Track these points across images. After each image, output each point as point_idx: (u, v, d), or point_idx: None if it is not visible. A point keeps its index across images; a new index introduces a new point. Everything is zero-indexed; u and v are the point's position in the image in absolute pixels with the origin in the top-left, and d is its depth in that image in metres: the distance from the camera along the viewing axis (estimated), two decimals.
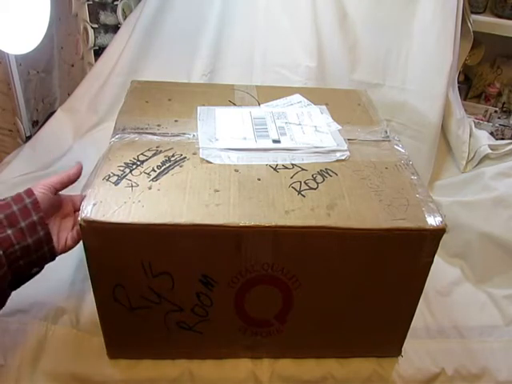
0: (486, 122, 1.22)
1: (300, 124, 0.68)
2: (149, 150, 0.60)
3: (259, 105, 0.73)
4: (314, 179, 0.57)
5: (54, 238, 0.54)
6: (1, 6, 0.68)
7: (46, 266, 0.55)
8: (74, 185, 0.59)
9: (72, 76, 1.18)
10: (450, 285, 0.79)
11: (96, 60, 1.09)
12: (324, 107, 0.73)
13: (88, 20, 1.06)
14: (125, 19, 1.08)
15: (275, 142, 0.63)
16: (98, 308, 0.56)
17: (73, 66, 1.17)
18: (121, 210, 0.50)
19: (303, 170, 0.58)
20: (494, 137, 1.10)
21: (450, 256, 0.85)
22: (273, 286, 0.55)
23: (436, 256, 0.54)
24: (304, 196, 0.54)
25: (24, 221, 0.51)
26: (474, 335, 0.70)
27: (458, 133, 1.02)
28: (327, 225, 0.51)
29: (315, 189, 0.55)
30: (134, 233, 0.50)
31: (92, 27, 1.07)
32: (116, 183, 0.54)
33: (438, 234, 0.52)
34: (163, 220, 0.50)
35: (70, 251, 0.56)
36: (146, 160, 0.58)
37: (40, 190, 0.54)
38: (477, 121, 1.17)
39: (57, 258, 0.55)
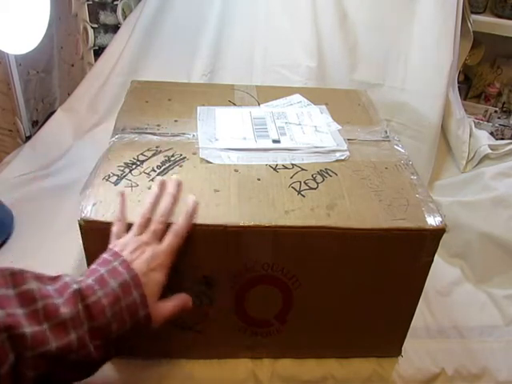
0: (485, 122, 1.22)
1: (300, 124, 0.68)
2: (148, 150, 0.60)
3: (259, 105, 0.73)
4: (314, 179, 0.57)
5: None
6: (1, 6, 0.68)
7: (47, 267, 0.54)
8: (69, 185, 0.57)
9: (72, 76, 1.18)
10: (450, 285, 0.79)
11: (96, 60, 1.09)
12: (324, 107, 0.73)
13: (88, 20, 1.06)
14: (125, 19, 1.08)
15: (275, 142, 0.63)
16: None
17: (73, 65, 1.17)
18: None
19: (303, 169, 0.58)
20: (494, 137, 1.10)
21: (450, 256, 0.85)
22: (273, 286, 0.55)
23: (436, 256, 0.54)
24: (304, 196, 0.54)
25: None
26: (474, 335, 0.70)
27: (457, 133, 1.02)
28: (327, 225, 0.51)
29: (315, 189, 0.55)
30: None
31: (92, 27, 1.07)
32: (116, 183, 0.54)
33: (437, 233, 0.52)
34: None
35: (69, 251, 0.56)
36: (146, 160, 0.58)
37: None
38: (477, 121, 1.17)
39: (57, 258, 0.55)
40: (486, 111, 1.28)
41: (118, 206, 0.50)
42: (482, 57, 1.29)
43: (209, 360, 0.62)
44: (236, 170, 0.57)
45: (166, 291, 0.54)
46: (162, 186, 0.52)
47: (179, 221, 0.49)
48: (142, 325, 0.45)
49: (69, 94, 1.08)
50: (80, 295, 0.42)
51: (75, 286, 0.42)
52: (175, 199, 0.51)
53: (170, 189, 0.52)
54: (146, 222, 0.49)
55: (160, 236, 0.49)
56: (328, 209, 0.53)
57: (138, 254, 0.47)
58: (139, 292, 0.45)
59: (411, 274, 0.56)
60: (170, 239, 0.48)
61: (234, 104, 0.72)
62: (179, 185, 0.53)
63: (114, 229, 0.49)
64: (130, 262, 0.46)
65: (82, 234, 0.50)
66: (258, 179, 0.56)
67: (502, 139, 1.13)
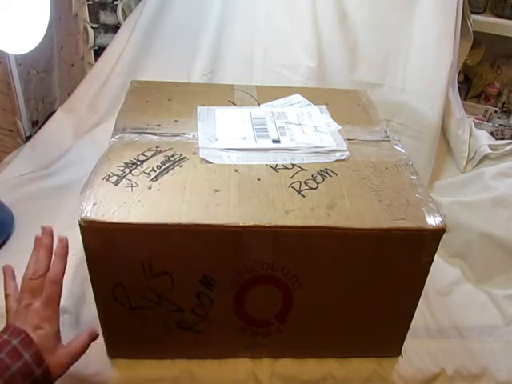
0: (485, 122, 1.21)
1: (300, 124, 0.68)
2: (149, 149, 0.60)
3: (259, 105, 0.73)
4: (314, 179, 0.57)
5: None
6: (1, 6, 0.68)
7: None
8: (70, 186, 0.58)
9: (72, 76, 1.18)
10: (450, 285, 0.79)
11: (96, 60, 1.09)
12: (324, 107, 0.73)
13: (88, 20, 1.06)
14: (125, 19, 1.08)
15: (275, 142, 0.63)
16: (97, 308, 0.56)
17: (73, 65, 1.17)
18: (121, 209, 0.50)
19: (303, 169, 0.58)
20: (494, 137, 1.10)
21: (450, 256, 0.84)
22: (273, 285, 0.55)
23: (436, 256, 0.54)
24: (304, 196, 0.54)
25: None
26: (474, 335, 0.70)
27: (457, 133, 1.02)
28: (327, 225, 0.51)
29: (315, 189, 0.55)
30: (133, 233, 0.50)
31: (92, 27, 1.07)
32: (116, 183, 0.54)
33: (437, 233, 0.52)
34: (163, 220, 0.50)
35: (70, 251, 0.56)
36: (146, 160, 0.58)
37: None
38: (477, 121, 1.17)
39: None
40: (486, 111, 1.28)
41: (4, 281, 0.54)
42: (482, 57, 1.28)
43: (209, 360, 0.62)
44: (236, 170, 0.57)
45: (168, 292, 0.55)
46: (37, 241, 0.55)
47: (51, 267, 0.52)
48: (43, 381, 0.48)
49: (69, 94, 1.08)
50: None
51: None
52: (48, 249, 0.53)
53: (44, 239, 0.54)
54: (27, 285, 0.52)
55: (40, 291, 0.51)
56: (328, 209, 0.53)
57: (22, 318, 0.50)
58: (30, 352, 0.47)
59: (411, 274, 0.56)
60: (46, 290, 0.50)
61: (234, 104, 0.72)
62: (49, 233, 0.55)
63: (6, 305, 0.52)
64: (17, 328, 0.48)
65: (82, 233, 0.50)
66: (258, 179, 0.56)
67: (502, 139, 1.13)
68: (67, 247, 0.53)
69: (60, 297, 0.51)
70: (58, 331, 0.51)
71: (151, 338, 0.60)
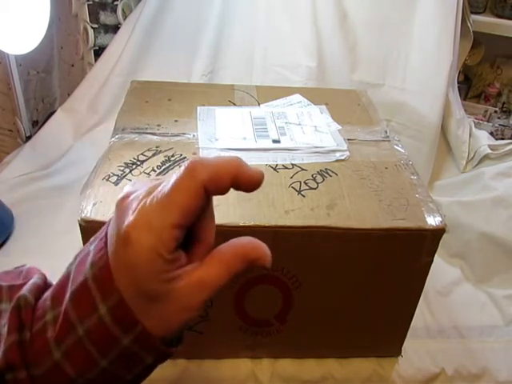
0: (485, 122, 1.22)
1: (300, 124, 0.68)
2: (149, 150, 0.60)
3: (259, 105, 0.73)
4: (314, 179, 0.57)
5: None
6: (1, 6, 0.68)
7: (47, 267, 0.54)
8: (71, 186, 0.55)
9: (72, 76, 1.18)
10: (450, 285, 0.78)
11: (96, 60, 1.09)
12: (324, 107, 0.73)
13: (88, 20, 1.06)
14: (125, 19, 1.08)
15: (275, 141, 0.63)
16: None
17: (73, 65, 1.17)
18: None
19: (303, 169, 0.58)
20: (494, 137, 1.10)
21: (450, 256, 0.84)
22: (273, 286, 0.55)
23: (436, 256, 0.54)
24: (304, 196, 0.54)
25: None
26: (474, 335, 0.70)
27: (457, 133, 1.02)
28: (327, 225, 0.51)
29: (315, 189, 0.55)
30: None
31: (92, 27, 1.07)
32: (116, 183, 0.54)
33: (437, 233, 0.52)
34: None
35: (69, 251, 0.56)
36: (146, 160, 0.58)
37: None
38: (477, 121, 1.17)
39: (57, 259, 0.55)
40: (486, 111, 1.28)
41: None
42: (482, 57, 1.29)
43: (209, 360, 0.62)
44: None
45: None
46: None
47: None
48: (141, 351, 0.26)
49: (69, 94, 1.08)
50: (20, 322, 0.26)
51: (18, 310, 0.27)
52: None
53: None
54: None
55: None
56: (328, 209, 0.53)
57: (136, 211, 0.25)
58: (110, 303, 0.24)
59: (411, 274, 0.56)
60: (164, 186, 0.26)
61: (234, 104, 0.72)
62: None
63: None
64: (99, 240, 0.28)
65: (82, 234, 0.50)
66: None
67: (502, 139, 1.13)
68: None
69: (187, 207, 0.25)
70: (171, 259, 0.25)
71: None
